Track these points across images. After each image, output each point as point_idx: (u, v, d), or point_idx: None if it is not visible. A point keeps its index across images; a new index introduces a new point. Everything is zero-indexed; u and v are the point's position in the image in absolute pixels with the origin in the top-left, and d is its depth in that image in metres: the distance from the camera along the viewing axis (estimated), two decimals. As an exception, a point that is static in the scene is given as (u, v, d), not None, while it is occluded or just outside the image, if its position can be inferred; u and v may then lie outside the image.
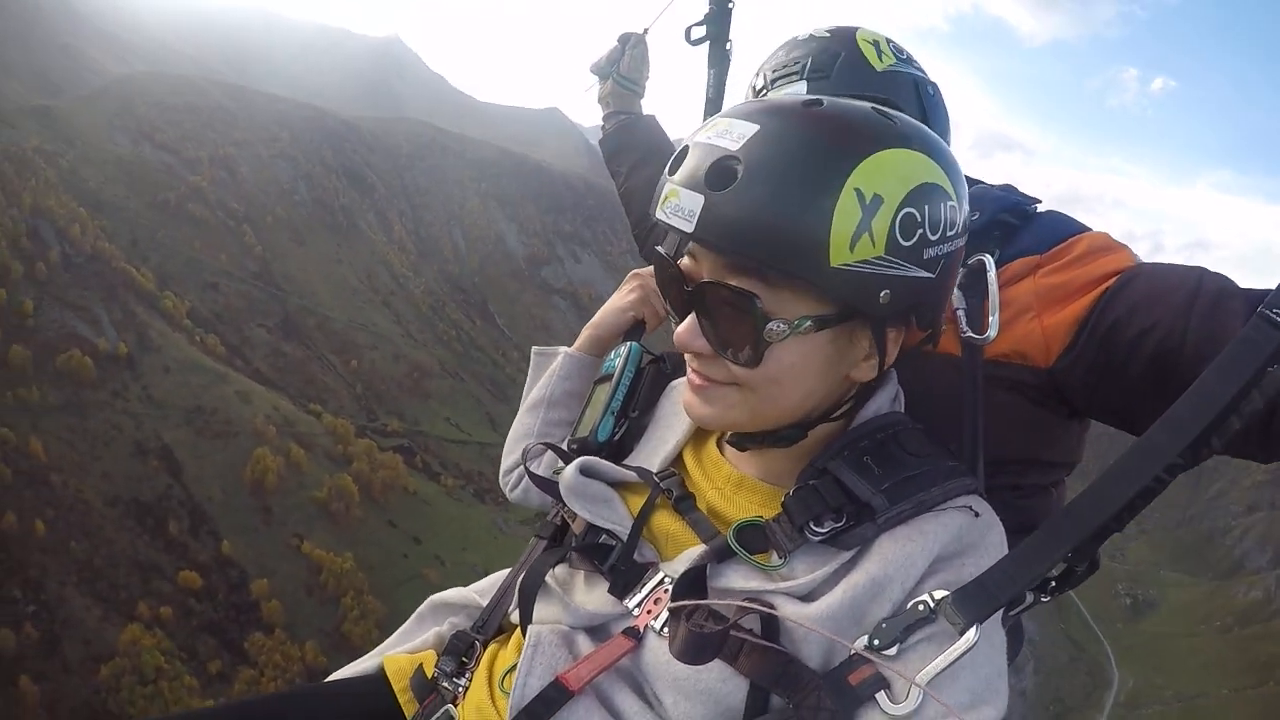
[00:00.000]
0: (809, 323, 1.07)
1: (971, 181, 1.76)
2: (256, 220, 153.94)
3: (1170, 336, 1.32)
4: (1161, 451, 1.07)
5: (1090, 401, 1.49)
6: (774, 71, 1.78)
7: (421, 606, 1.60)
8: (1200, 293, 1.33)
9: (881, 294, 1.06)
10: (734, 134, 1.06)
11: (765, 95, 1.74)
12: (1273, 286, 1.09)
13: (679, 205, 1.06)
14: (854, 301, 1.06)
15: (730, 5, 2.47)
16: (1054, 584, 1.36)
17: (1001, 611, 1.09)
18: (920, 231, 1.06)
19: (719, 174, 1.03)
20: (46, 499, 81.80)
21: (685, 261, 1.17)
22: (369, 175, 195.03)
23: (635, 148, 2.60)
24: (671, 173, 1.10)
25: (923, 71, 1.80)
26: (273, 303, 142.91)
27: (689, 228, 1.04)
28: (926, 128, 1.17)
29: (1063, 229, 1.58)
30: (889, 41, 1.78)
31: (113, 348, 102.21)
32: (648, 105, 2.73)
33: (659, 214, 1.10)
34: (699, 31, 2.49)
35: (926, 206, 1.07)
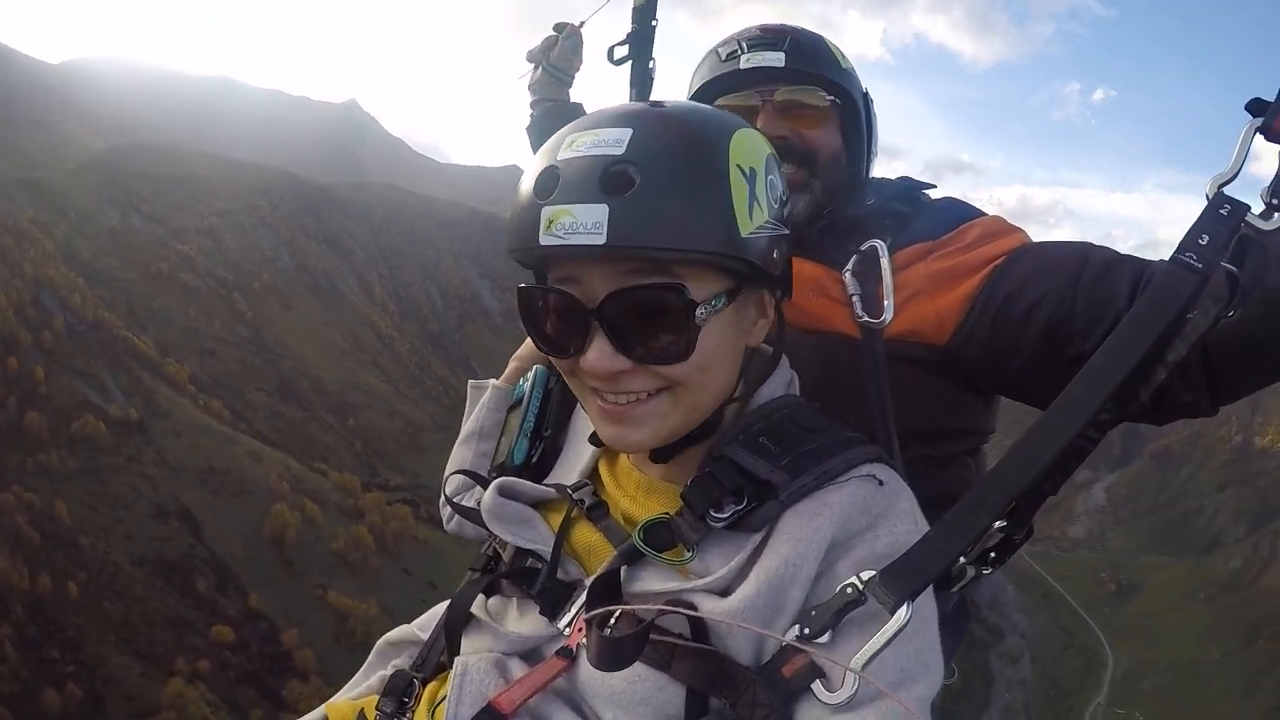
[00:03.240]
0: (723, 299, 1.08)
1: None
2: (245, 287, 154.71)
3: (1060, 307, 1.36)
4: (1084, 405, 1.05)
5: (989, 377, 1.51)
6: (751, 40, 1.75)
7: (371, 654, 1.57)
8: (1088, 263, 1.37)
9: (775, 253, 1.11)
10: (610, 140, 1.03)
11: (737, 59, 1.74)
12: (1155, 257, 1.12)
13: (576, 222, 1.00)
14: (760, 265, 1.08)
15: (653, 24, 2.47)
16: (993, 554, 1.36)
17: (931, 586, 1.07)
18: (780, 194, 1.14)
19: (616, 180, 1.00)
20: (76, 561, 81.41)
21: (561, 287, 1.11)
22: (346, 240, 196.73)
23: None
24: (542, 196, 1.03)
25: (864, 85, 1.85)
26: (268, 367, 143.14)
27: (599, 240, 0.99)
28: None
29: (956, 215, 1.62)
30: (841, 52, 1.82)
31: (124, 413, 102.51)
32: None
33: (546, 239, 1.02)
34: (621, 51, 2.47)
35: (775, 174, 1.14)
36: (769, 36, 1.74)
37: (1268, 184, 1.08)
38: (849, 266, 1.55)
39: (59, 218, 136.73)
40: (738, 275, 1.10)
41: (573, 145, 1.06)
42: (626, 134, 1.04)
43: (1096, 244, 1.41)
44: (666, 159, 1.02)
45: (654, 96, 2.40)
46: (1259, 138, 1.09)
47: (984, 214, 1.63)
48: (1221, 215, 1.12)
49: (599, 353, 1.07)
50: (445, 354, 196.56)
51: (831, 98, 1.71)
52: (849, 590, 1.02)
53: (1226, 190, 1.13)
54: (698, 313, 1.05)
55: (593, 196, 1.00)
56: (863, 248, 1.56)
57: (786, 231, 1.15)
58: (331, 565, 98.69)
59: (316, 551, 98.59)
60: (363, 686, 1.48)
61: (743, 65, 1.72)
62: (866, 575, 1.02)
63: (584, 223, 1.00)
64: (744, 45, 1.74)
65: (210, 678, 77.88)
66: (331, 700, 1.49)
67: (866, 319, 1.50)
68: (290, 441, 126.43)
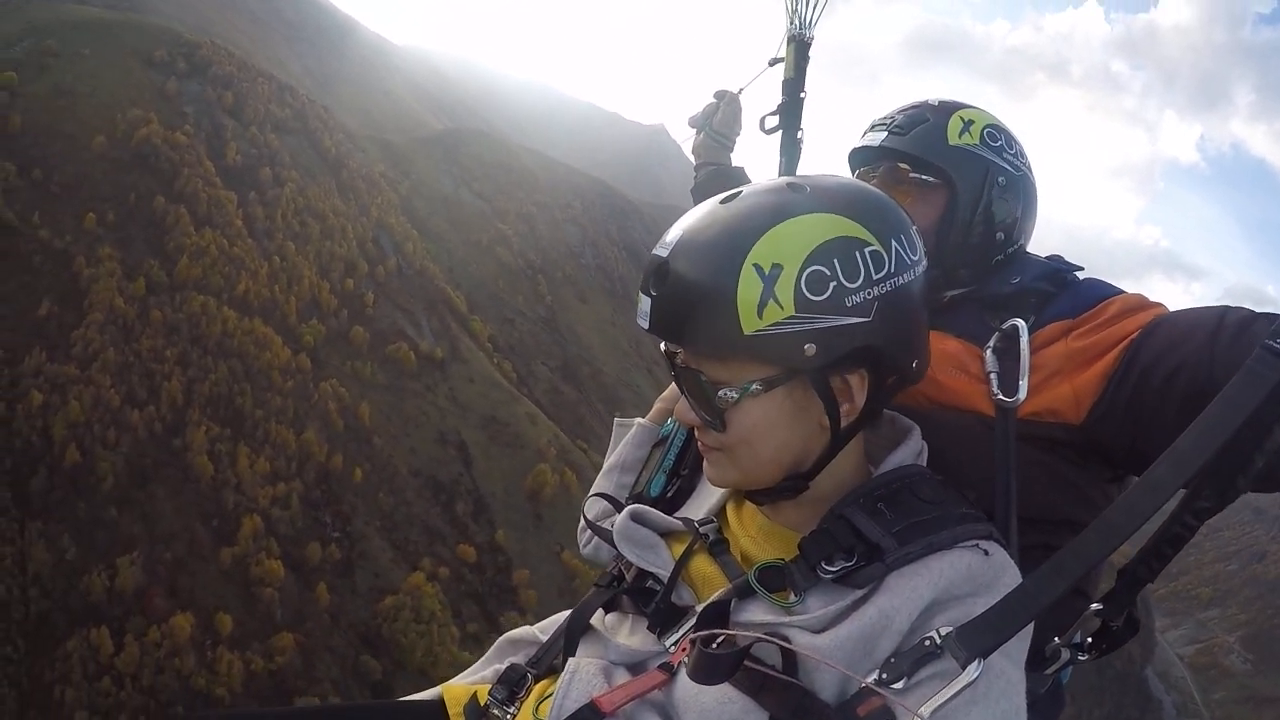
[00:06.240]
0: (756, 385, 1.18)
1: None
2: (549, 273, 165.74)
3: (1198, 373, 1.31)
4: (1164, 485, 1.06)
5: (1129, 455, 1.47)
6: (876, 120, 1.86)
7: (491, 649, 1.67)
8: (1223, 326, 1.32)
9: (806, 348, 1.14)
10: (668, 241, 1.21)
11: (863, 137, 1.86)
12: None
13: (643, 309, 1.22)
14: (783, 360, 1.16)
15: (802, 96, 2.52)
16: (1092, 641, 1.39)
17: (1023, 661, 1.14)
18: (834, 284, 1.14)
19: (658, 277, 1.19)
20: (366, 454, 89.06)
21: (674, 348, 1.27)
22: (644, 252, 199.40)
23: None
24: (642, 279, 1.23)
25: (1012, 164, 1.78)
26: (556, 347, 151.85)
27: (646, 326, 1.21)
28: (852, 187, 1.26)
29: (1097, 293, 1.60)
30: (988, 128, 1.78)
31: (431, 350, 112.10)
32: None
33: (638, 315, 1.23)
34: (772, 121, 2.52)
35: (836, 259, 1.14)
36: (888, 116, 1.84)
37: None
38: (990, 344, 1.58)
39: (403, 177, 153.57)
40: (780, 364, 1.18)
41: (663, 237, 1.24)
42: (679, 235, 1.21)
43: (1233, 305, 1.37)
44: (689, 260, 1.17)
45: (801, 168, 2.52)
46: None
47: (1125, 292, 1.60)
48: None
49: (683, 405, 1.27)
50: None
51: (919, 175, 1.75)
52: (927, 643, 1.07)
53: None
54: (721, 394, 1.19)
55: (647, 289, 1.21)
56: (1004, 326, 1.58)
57: (849, 321, 1.15)
58: (573, 530, 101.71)
59: (565, 514, 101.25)
60: (478, 676, 1.58)
61: (855, 144, 1.86)
62: (945, 630, 1.07)
63: (644, 310, 1.21)
64: (871, 124, 1.86)
65: (446, 583, 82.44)
66: (448, 682, 1.59)
67: (1001, 398, 1.50)
68: (562, 416, 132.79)
